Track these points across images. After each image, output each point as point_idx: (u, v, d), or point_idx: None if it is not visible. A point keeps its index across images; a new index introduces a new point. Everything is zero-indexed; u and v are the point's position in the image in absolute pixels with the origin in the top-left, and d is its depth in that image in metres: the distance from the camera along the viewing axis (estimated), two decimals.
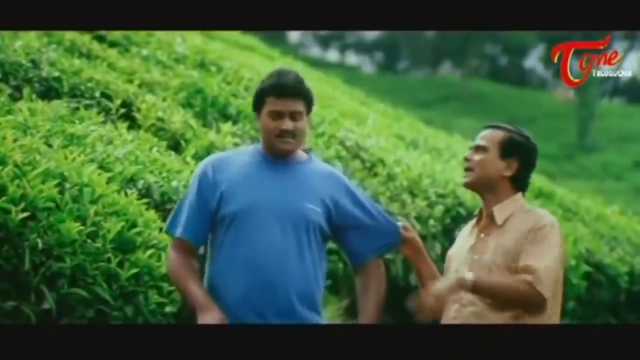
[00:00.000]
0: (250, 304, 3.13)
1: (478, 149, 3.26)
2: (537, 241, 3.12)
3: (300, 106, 3.19)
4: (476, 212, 3.36)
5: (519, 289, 3.07)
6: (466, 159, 3.28)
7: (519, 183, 3.27)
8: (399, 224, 3.35)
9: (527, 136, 3.29)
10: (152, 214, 3.89)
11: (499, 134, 3.26)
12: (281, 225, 3.15)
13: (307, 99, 3.22)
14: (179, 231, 3.22)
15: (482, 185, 3.27)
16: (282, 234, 3.15)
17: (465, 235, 3.35)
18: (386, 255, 3.43)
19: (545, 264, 3.08)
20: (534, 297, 3.06)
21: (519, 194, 3.27)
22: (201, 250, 4.24)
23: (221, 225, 3.19)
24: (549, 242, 3.12)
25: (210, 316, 3.07)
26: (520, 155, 3.24)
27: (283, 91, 3.18)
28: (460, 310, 3.22)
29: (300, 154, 3.29)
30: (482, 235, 3.26)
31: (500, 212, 3.23)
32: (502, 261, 3.15)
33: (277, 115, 3.18)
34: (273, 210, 3.16)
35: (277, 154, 3.23)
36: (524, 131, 3.30)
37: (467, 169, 3.28)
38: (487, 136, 3.27)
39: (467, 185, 3.31)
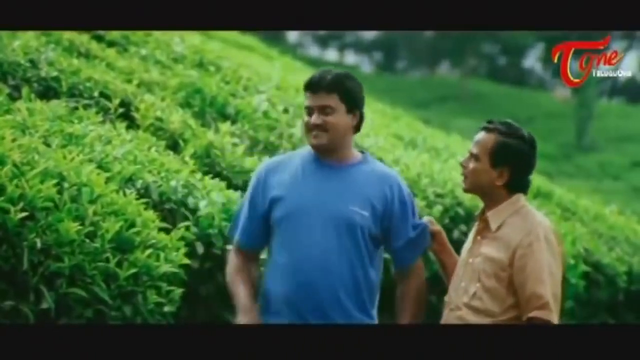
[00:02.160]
0: (291, 305, 3.18)
1: (471, 156, 3.24)
2: (531, 261, 3.10)
3: (330, 100, 3.20)
4: (477, 212, 3.36)
5: (536, 324, 3.10)
6: (462, 165, 3.28)
7: (515, 187, 3.23)
8: (425, 219, 3.37)
9: (523, 136, 3.21)
10: (150, 213, 3.88)
11: (491, 140, 3.20)
12: (323, 228, 3.18)
13: (342, 94, 3.22)
14: (237, 237, 3.35)
15: (477, 192, 3.27)
16: (323, 236, 3.18)
17: (471, 233, 3.35)
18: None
19: (553, 291, 3.09)
20: (546, 324, 3.10)
21: (518, 195, 3.24)
22: (199, 249, 4.25)
23: (273, 229, 3.27)
24: (542, 259, 3.11)
25: (244, 317, 3.17)
26: (512, 161, 3.19)
27: (312, 86, 3.23)
28: (449, 315, 3.26)
29: (354, 154, 3.32)
30: (479, 237, 3.27)
31: (494, 217, 3.22)
32: (491, 269, 3.16)
33: (309, 111, 3.23)
34: (316, 214, 3.19)
35: (314, 150, 3.27)
36: (520, 130, 3.22)
37: (463, 175, 3.28)
38: (479, 142, 3.23)
39: (465, 191, 3.32)
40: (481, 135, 3.24)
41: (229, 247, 3.44)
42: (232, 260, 3.34)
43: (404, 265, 3.32)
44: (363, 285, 3.23)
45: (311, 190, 3.21)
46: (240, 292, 3.22)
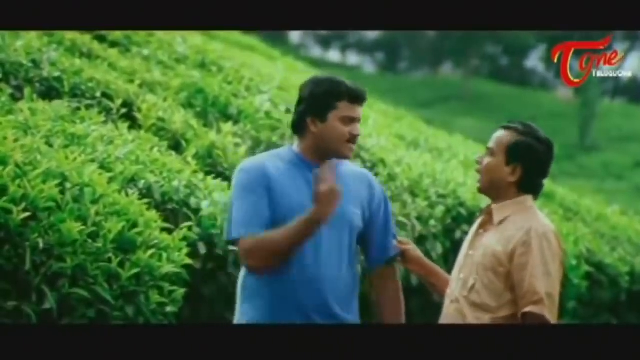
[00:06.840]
0: (298, 306, 3.13)
1: (488, 150, 3.27)
2: (530, 259, 3.11)
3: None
4: (482, 209, 3.37)
5: (530, 319, 3.10)
6: (477, 162, 3.30)
7: (526, 187, 3.24)
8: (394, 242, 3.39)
9: (539, 137, 3.23)
10: (153, 214, 3.88)
11: (507, 137, 3.24)
12: (328, 229, 3.13)
13: None
14: (253, 230, 3.09)
15: (491, 192, 3.28)
16: (328, 237, 3.15)
17: (474, 226, 3.37)
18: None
19: (547, 290, 3.10)
20: (541, 320, 3.10)
21: (526, 197, 3.25)
22: (202, 250, 4.25)
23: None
24: (539, 258, 3.11)
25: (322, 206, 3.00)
26: (525, 160, 3.21)
27: (359, 97, 3.19)
28: (450, 306, 3.27)
29: None
30: (481, 230, 3.28)
31: (498, 211, 3.24)
32: (490, 263, 3.17)
33: (350, 121, 3.17)
34: None
35: (344, 160, 3.23)
36: (538, 132, 3.24)
37: (478, 172, 3.30)
38: (497, 138, 3.27)
39: (480, 191, 3.33)
40: (499, 132, 3.29)
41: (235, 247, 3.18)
42: (254, 238, 3.07)
43: (377, 264, 3.33)
44: (354, 284, 3.25)
45: (311, 192, 3.14)
46: (290, 225, 3.04)
